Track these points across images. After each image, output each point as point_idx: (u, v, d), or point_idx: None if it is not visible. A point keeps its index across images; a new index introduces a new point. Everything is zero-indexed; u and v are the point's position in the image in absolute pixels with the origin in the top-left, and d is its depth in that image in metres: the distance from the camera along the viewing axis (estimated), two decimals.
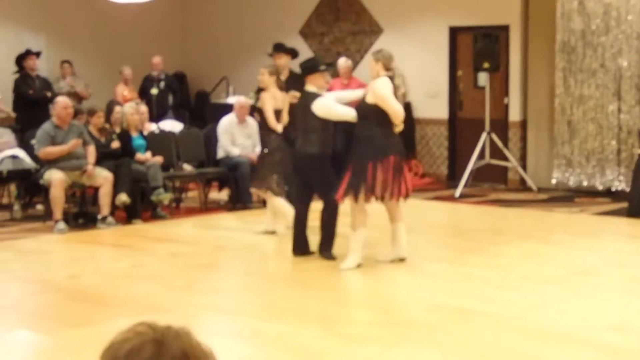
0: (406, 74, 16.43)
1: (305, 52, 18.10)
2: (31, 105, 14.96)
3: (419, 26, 16.44)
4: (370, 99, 9.39)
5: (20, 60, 15.28)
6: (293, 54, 12.33)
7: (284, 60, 11.92)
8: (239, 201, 13.70)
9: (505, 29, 15.48)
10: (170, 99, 17.63)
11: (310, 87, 9.80)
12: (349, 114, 9.47)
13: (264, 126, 11.50)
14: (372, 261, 9.58)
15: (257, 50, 18.21)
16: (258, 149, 13.88)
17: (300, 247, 9.90)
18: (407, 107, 16.49)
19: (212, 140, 14.20)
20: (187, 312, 7.71)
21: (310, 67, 9.88)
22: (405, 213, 9.54)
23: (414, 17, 16.50)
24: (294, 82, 11.19)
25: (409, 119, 16.47)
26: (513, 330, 7.14)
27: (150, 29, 19.44)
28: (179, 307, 7.91)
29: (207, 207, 13.83)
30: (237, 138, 13.85)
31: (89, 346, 6.73)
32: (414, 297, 8.31)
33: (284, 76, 11.67)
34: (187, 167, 14.00)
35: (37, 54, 15.50)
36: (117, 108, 13.41)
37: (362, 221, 9.39)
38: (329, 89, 15.57)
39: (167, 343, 1.95)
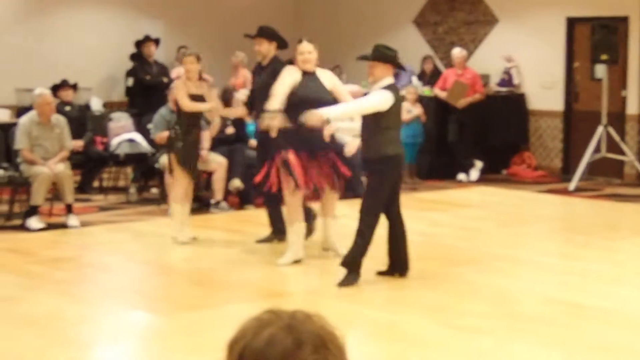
0: (521, 64, 16.26)
1: (419, 42, 18.03)
2: (148, 90, 15.21)
3: (536, 16, 16.21)
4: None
5: (139, 46, 15.56)
6: (279, 42, 10.42)
7: (264, 48, 10.16)
8: (350, 189, 13.67)
9: (624, 20, 15.16)
10: None
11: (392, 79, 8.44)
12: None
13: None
14: (482, 253, 9.51)
15: (370, 38, 18.18)
16: None
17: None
18: (521, 98, 16.34)
19: None
20: (298, 298, 7.76)
21: (391, 58, 8.41)
22: (519, 206, 9.37)
23: (531, 7, 16.27)
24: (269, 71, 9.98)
25: (523, 110, 16.34)
26: (629, 327, 7.02)
27: (264, 16, 19.52)
28: (290, 293, 7.97)
29: (318, 195, 13.86)
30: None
31: (203, 329, 6.84)
32: (527, 291, 8.21)
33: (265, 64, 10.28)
34: None
35: (156, 41, 15.75)
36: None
37: (300, 214, 9.19)
38: (444, 79, 15.55)
39: (299, 328, 1.94)
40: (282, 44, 10.32)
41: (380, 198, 8.26)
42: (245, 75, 16.70)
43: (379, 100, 8.14)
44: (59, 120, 11.47)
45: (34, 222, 10.84)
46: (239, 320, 5.84)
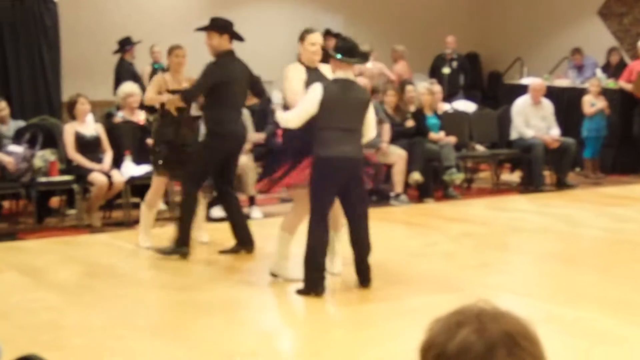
0: None
1: (604, 33, 17.56)
2: None
3: None
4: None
5: None
6: (231, 35, 9.34)
7: (215, 41, 9.21)
8: (531, 183, 13.52)
9: None
10: (462, 79, 17.60)
11: (347, 74, 7.58)
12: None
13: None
14: None
15: (553, 31, 17.89)
16: (554, 132, 13.65)
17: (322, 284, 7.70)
18: None
19: (505, 121, 14.08)
20: (479, 292, 7.65)
21: (348, 51, 7.55)
22: None
23: None
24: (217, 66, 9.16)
25: None
26: None
27: (442, 9, 19.48)
28: (471, 286, 7.87)
29: (499, 189, 13.75)
30: (531, 119, 13.69)
31: (380, 320, 6.84)
32: None
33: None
34: (480, 148, 13.95)
35: (336, 36, 15.82)
36: (409, 87, 13.53)
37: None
38: (630, 71, 15.10)
39: (489, 329, 1.89)
40: (234, 37, 9.37)
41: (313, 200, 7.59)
42: (404, 66, 16.69)
43: (302, 104, 7.49)
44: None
45: (217, 212, 11.08)
46: (416, 314, 5.77)
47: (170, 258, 9.05)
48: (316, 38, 8.22)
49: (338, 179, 7.43)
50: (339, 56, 7.48)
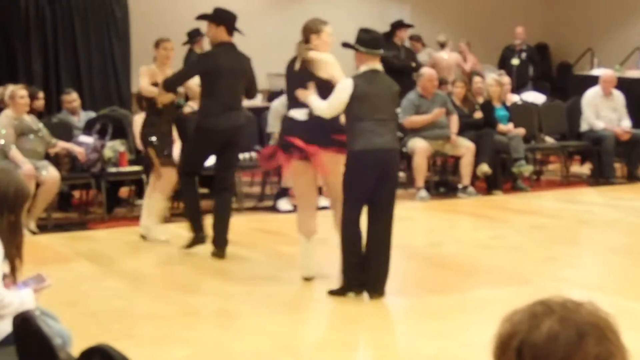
0: None
1: None
2: (395, 73, 15.21)
3: None
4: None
5: (393, 28, 15.47)
6: (228, 27, 8.97)
7: (211, 32, 9.01)
8: (602, 176, 13.36)
9: None
10: (531, 70, 17.45)
11: (373, 65, 7.32)
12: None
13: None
14: None
15: (624, 21, 17.65)
16: (625, 124, 13.47)
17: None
18: None
19: (575, 113, 13.93)
20: (548, 285, 7.58)
21: (372, 43, 7.35)
22: None
23: None
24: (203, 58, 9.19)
25: None
26: None
27: (510, 1, 19.32)
28: (540, 279, 7.80)
29: (568, 181, 13.61)
30: (601, 111, 13.53)
31: (449, 313, 6.79)
32: None
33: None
34: (549, 140, 13.83)
35: (408, 26, 15.73)
36: (477, 79, 13.45)
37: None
38: None
39: (575, 319, 1.87)
40: (232, 30, 8.99)
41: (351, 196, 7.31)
42: (472, 59, 16.58)
43: (333, 97, 7.28)
44: None
45: (284, 203, 11.11)
46: (483, 306, 5.68)
47: (232, 250, 9.06)
48: (331, 30, 8.03)
49: (372, 173, 7.12)
50: (362, 49, 7.29)
